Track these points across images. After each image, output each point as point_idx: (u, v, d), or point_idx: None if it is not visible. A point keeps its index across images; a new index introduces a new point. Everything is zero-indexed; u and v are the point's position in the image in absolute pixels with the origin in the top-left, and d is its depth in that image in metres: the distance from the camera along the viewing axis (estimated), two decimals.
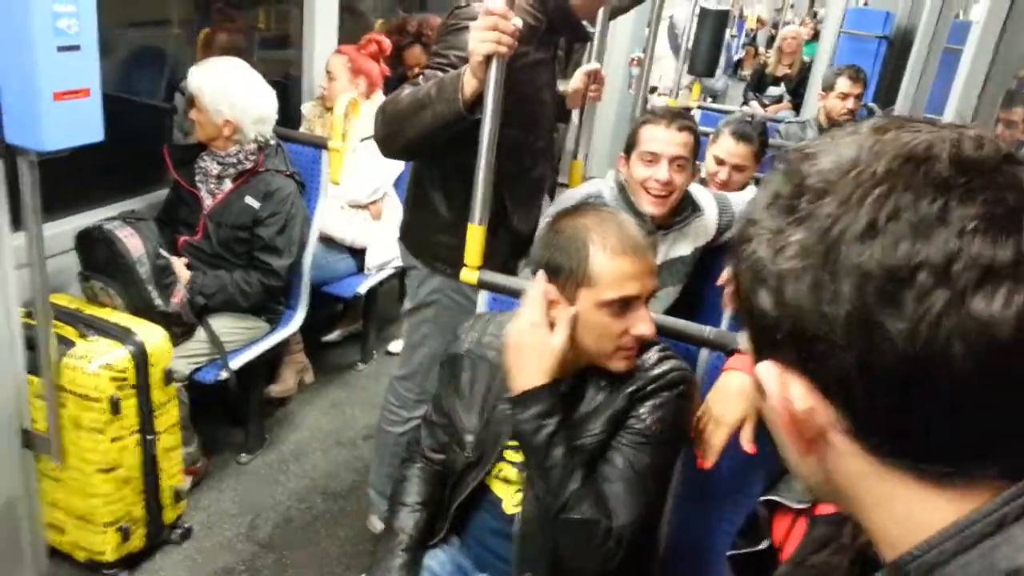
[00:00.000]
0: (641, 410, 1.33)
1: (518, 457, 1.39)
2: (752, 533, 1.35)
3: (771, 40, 9.86)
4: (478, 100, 1.60)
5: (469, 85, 1.60)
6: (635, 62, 4.91)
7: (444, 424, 1.52)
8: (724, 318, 2.11)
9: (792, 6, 11.27)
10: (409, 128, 1.70)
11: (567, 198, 2.00)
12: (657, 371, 1.35)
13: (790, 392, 0.49)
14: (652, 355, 1.38)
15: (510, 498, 1.42)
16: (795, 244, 0.47)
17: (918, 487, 0.47)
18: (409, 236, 2.06)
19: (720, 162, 2.49)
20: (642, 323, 1.29)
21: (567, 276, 1.29)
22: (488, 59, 1.54)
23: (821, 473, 0.52)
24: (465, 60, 1.61)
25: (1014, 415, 0.44)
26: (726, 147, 2.48)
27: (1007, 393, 0.43)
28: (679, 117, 1.95)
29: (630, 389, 1.34)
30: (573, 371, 1.36)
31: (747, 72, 8.42)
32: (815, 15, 10.55)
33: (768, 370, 0.50)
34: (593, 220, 1.32)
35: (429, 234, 1.97)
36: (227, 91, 2.36)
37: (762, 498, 1.33)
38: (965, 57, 2.50)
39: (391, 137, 1.76)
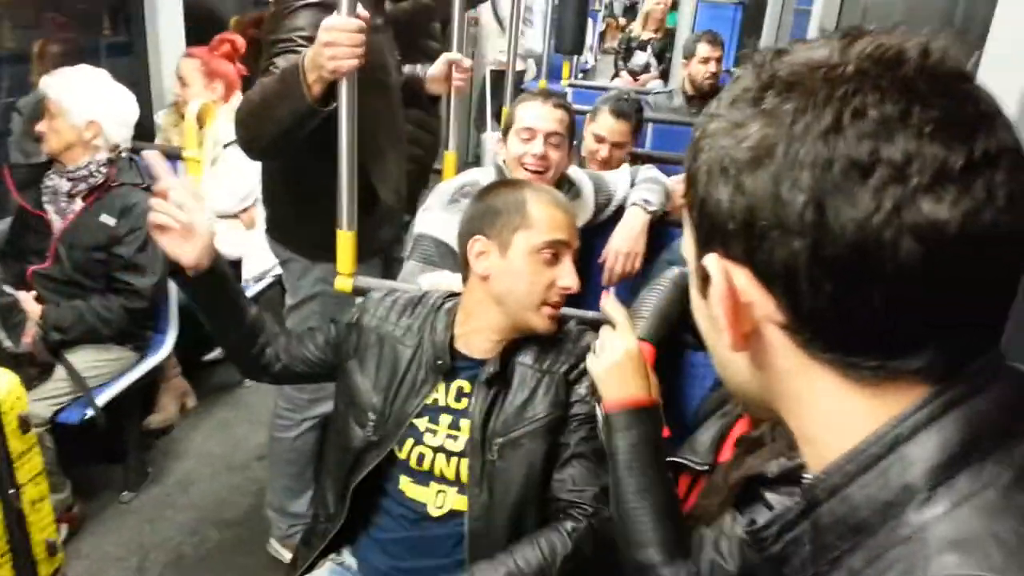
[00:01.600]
0: (580, 390, 1.37)
1: (438, 440, 1.37)
2: None
3: (627, 9, 10.17)
4: (328, 89, 1.57)
5: (313, 79, 1.56)
6: (474, 21, 4.89)
7: (314, 358, 1.49)
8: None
9: None
10: (268, 127, 1.66)
11: (443, 189, 1.97)
12: (582, 345, 1.39)
13: (735, 282, 0.51)
14: (572, 326, 1.44)
15: (432, 499, 1.39)
16: (757, 135, 0.48)
17: (843, 385, 0.49)
18: (279, 230, 2.01)
19: (600, 140, 2.52)
20: (568, 275, 1.34)
21: (504, 223, 1.34)
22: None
23: (750, 371, 0.55)
24: (309, 39, 1.57)
25: (947, 310, 0.47)
26: (606, 124, 2.51)
27: (944, 290, 0.46)
28: (554, 95, 2.01)
29: (563, 369, 1.37)
30: (498, 347, 1.38)
31: (611, 44, 8.60)
32: None
33: (714, 262, 0.52)
34: (527, 184, 1.46)
35: (300, 225, 1.93)
36: (88, 92, 2.26)
37: (668, 459, 1.35)
38: (813, 17, 2.61)
39: (252, 140, 1.73)
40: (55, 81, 2.26)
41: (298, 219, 1.95)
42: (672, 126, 3.56)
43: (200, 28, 3.23)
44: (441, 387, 1.40)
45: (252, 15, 3.37)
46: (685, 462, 1.32)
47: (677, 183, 2.41)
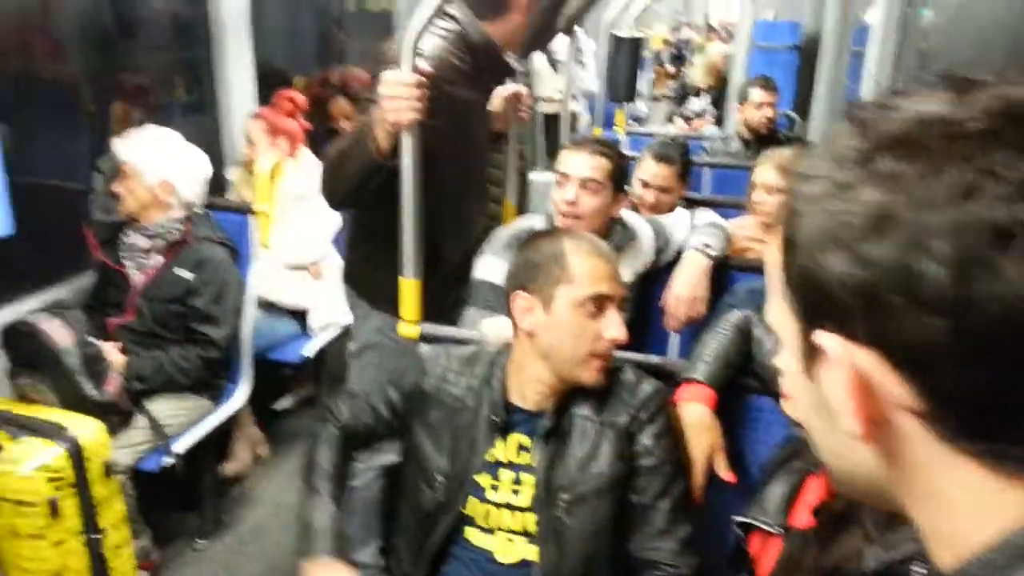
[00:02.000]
0: (645, 441, 1.34)
1: (503, 496, 1.38)
2: (737, 560, 1.35)
3: (674, 58, 10.39)
4: (396, 145, 1.62)
5: (382, 136, 1.62)
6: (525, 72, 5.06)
7: (365, 432, 1.55)
8: (671, 343, 2.13)
9: (688, 24, 12.04)
10: (342, 179, 1.75)
11: (500, 235, 2.00)
12: (641, 395, 1.37)
13: (859, 364, 0.45)
14: (628, 375, 1.40)
15: (500, 546, 1.39)
16: (873, 199, 0.43)
17: (990, 478, 0.44)
18: (351, 275, 2.06)
19: (645, 185, 2.54)
20: (614, 326, 1.32)
21: (544, 277, 1.33)
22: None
23: (875, 464, 0.49)
24: None
25: None
26: (649, 170, 2.53)
27: None
28: (594, 143, 2.00)
29: (623, 421, 1.35)
30: (552, 401, 1.37)
31: (660, 91, 8.78)
32: (711, 28, 11.13)
33: (833, 341, 0.46)
34: (565, 234, 1.42)
35: (369, 272, 1.98)
36: (160, 153, 2.35)
37: (737, 519, 1.33)
38: (868, 58, 2.59)
39: (331, 191, 1.81)
40: (127, 144, 2.37)
41: (365, 264, 2.00)
42: (730, 170, 3.57)
43: (267, 87, 3.38)
44: (499, 443, 1.40)
45: (318, 75, 3.51)
46: (756, 523, 1.28)
47: (738, 227, 2.41)
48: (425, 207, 1.69)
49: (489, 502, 1.39)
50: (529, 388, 1.39)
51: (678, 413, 1.43)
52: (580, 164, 1.92)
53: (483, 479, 1.40)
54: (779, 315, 0.52)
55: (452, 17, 1.84)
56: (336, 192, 1.80)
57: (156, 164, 2.33)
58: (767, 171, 2.39)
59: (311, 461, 1.54)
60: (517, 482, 1.38)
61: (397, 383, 1.52)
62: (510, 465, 1.39)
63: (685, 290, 2.00)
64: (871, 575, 0.98)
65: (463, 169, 1.95)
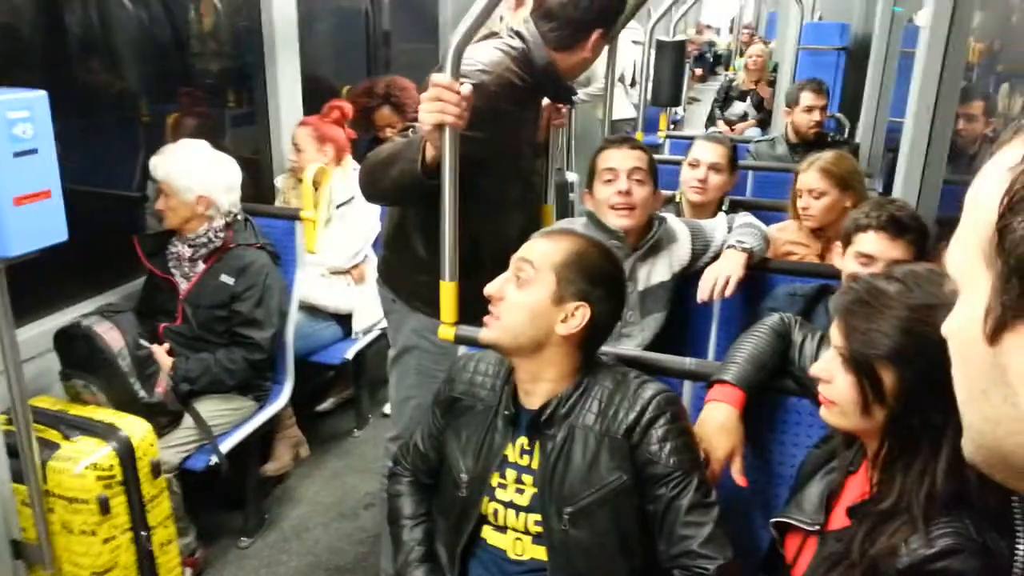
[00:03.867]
0: (651, 448, 1.31)
1: (507, 495, 1.39)
2: (772, 561, 1.33)
3: (697, 59, 10.46)
4: (438, 164, 1.63)
5: (428, 150, 1.64)
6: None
7: (433, 463, 1.56)
8: (709, 346, 2.11)
9: (708, 26, 12.02)
10: (383, 180, 1.77)
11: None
12: (639, 402, 1.33)
13: None
14: (631, 382, 1.38)
15: (511, 545, 1.41)
16: None
17: None
18: (388, 276, 2.08)
19: (695, 165, 2.50)
20: None
21: None
22: (440, 127, 1.57)
23: None
24: None
25: None
26: (700, 148, 2.52)
27: None
28: (629, 140, 2.12)
29: (622, 430, 1.32)
30: (537, 399, 1.39)
31: (690, 94, 8.84)
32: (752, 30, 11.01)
33: None
34: None
35: (407, 273, 2.00)
36: (193, 168, 2.39)
37: (773, 519, 1.32)
38: (918, 60, 2.54)
39: (369, 187, 1.85)
40: (162, 162, 2.40)
41: (402, 265, 2.01)
42: (773, 173, 3.52)
43: (315, 96, 3.45)
44: (509, 443, 1.41)
45: (364, 85, 3.57)
46: (793, 522, 1.27)
47: (779, 230, 2.38)
48: (467, 213, 1.70)
49: (498, 501, 1.41)
50: (520, 385, 1.41)
51: (685, 412, 1.40)
52: (626, 157, 2.00)
53: (494, 478, 1.41)
54: (968, 270, 0.47)
55: (520, 36, 1.86)
56: (373, 191, 1.84)
57: (192, 181, 2.37)
58: (811, 175, 2.36)
59: (394, 512, 1.59)
60: (519, 481, 1.39)
61: (437, 400, 1.56)
62: (515, 465, 1.40)
63: (718, 269, 2.00)
64: (904, 571, 0.96)
65: (507, 178, 1.97)
